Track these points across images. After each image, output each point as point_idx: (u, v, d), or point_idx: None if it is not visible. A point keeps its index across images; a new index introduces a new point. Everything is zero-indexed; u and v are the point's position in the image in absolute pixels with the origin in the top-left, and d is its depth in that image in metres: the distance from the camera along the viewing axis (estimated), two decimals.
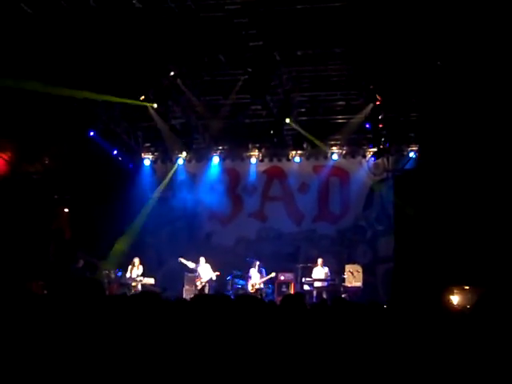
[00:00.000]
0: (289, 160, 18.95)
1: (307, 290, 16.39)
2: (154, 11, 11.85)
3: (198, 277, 16.62)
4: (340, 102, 16.60)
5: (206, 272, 16.68)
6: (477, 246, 13.14)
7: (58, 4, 11.49)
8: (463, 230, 13.38)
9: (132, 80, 15.06)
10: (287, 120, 16.56)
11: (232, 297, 15.60)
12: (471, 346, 3.54)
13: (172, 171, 19.65)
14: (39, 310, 4.13)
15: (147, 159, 19.73)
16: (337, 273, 16.71)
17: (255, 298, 4.90)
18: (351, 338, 4.18)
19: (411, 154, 17.76)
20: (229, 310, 4.26)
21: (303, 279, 16.64)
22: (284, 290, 16.64)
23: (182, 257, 16.93)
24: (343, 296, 15.41)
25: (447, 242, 13.43)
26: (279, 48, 13.34)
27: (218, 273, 16.70)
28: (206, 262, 16.77)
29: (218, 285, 16.97)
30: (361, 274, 16.36)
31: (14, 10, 11.59)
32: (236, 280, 17.12)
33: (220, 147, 19.25)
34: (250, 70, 13.81)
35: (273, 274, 16.68)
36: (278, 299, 15.76)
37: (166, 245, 18.98)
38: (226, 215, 19.43)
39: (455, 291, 12.43)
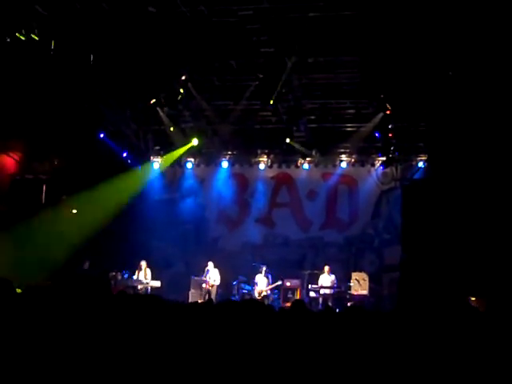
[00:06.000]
0: (297, 167, 18.91)
1: (313, 297, 16.39)
2: (166, 15, 11.91)
3: (206, 281, 16.62)
4: (350, 111, 16.59)
5: (214, 277, 16.69)
6: (485, 257, 13.07)
7: (71, 6, 11.56)
8: (471, 240, 13.31)
9: (144, 83, 15.14)
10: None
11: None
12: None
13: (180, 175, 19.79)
14: (46, 304, 4.15)
15: (156, 162, 19.76)
16: (343, 280, 16.70)
17: (261, 303, 4.89)
18: (358, 345, 4.18)
19: (420, 164, 17.74)
20: (234, 315, 4.27)
21: (309, 286, 16.63)
22: (290, 296, 16.60)
23: (194, 275, 17.10)
24: (349, 304, 15.39)
25: (454, 253, 13.37)
26: (290, 55, 13.36)
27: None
28: (215, 267, 16.77)
29: (223, 290, 16.99)
30: (367, 282, 16.37)
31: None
32: (242, 285, 17.11)
33: (229, 152, 19.28)
34: (260, 76, 13.84)
35: (279, 283, 16.67)
36: (284, 305, 15.74)
37: (173, 248, 18.98)
38: (233, 220, 19.45)
39: None
